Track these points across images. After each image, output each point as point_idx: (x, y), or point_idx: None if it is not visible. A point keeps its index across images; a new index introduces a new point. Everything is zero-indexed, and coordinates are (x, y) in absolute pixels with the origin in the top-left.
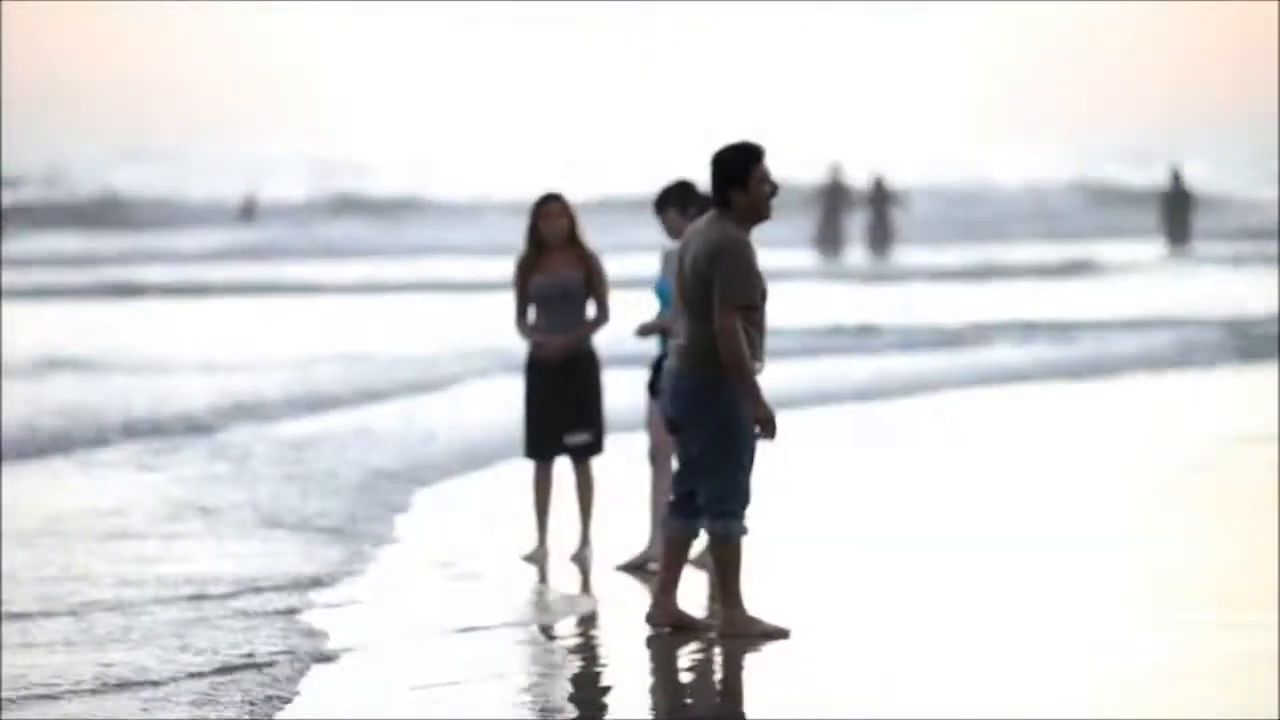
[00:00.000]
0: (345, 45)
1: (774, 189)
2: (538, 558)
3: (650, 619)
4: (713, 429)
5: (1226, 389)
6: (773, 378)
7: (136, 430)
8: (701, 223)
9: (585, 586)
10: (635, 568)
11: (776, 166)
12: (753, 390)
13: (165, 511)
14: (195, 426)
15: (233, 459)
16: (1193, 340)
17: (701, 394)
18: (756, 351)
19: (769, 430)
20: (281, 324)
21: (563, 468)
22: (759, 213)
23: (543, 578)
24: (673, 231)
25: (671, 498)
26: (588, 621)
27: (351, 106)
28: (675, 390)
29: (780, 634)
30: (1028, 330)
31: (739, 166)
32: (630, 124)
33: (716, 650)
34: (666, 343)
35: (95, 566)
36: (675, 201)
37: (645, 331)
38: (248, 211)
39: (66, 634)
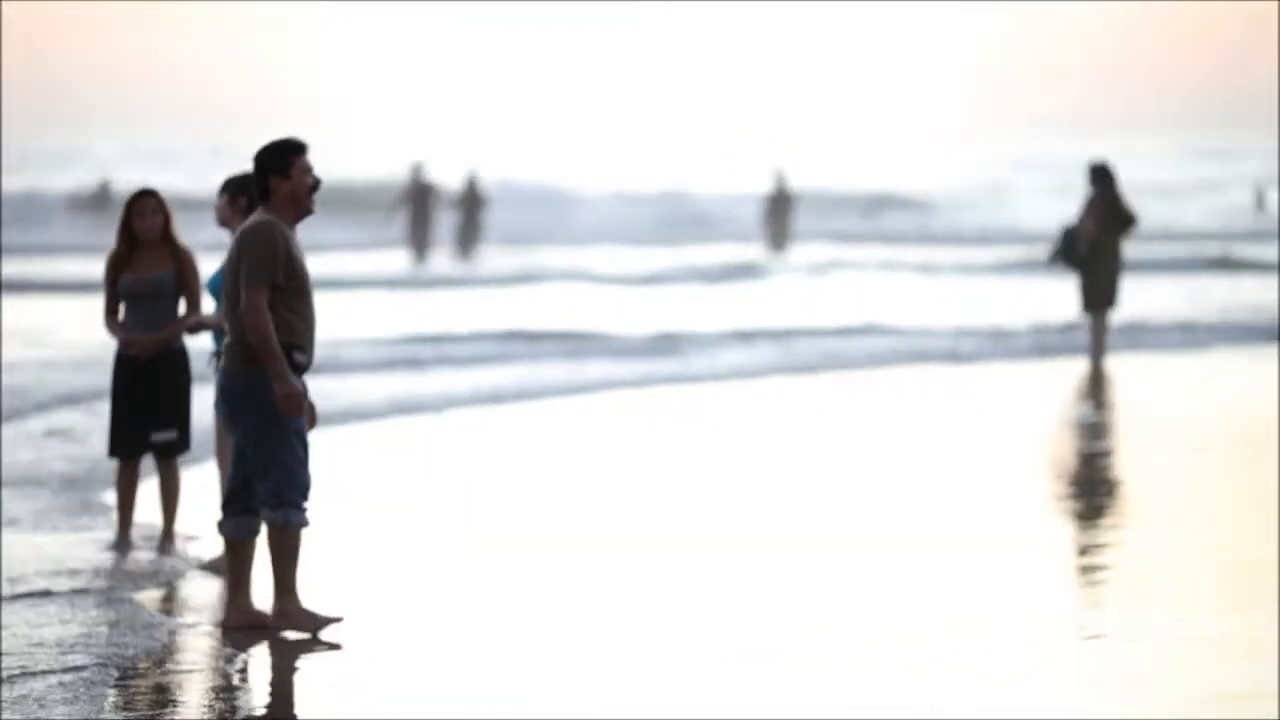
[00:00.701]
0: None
1: (316, 183)
2: (120, 554)
3: (224, 621)
4: (261, 421)
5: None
6: (355, 388)
7: None
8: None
9: (166, 585)
10: (218, 568)
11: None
12: (278, 368)
13: None
14: None
15: None
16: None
17: (248, 387)
18: (302, 340)
19: (289, 407)
20: None
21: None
22: (300, 203)
23: (123, 572)
24: (219, 218)
25: (223, 497)
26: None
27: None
28: (225, 387)
29: (335, 620)
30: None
31: (280, 158)
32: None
33: (278, 647)
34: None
35: None
36: (229, 190)
37: (191, 329)
38: None
39: None
